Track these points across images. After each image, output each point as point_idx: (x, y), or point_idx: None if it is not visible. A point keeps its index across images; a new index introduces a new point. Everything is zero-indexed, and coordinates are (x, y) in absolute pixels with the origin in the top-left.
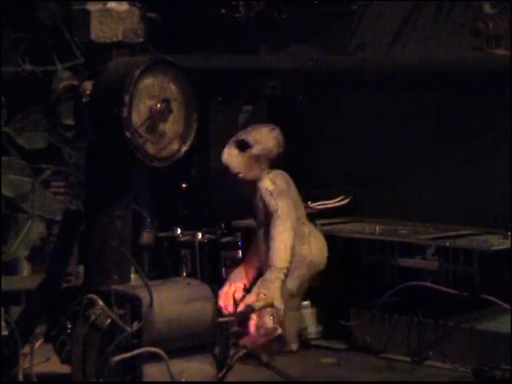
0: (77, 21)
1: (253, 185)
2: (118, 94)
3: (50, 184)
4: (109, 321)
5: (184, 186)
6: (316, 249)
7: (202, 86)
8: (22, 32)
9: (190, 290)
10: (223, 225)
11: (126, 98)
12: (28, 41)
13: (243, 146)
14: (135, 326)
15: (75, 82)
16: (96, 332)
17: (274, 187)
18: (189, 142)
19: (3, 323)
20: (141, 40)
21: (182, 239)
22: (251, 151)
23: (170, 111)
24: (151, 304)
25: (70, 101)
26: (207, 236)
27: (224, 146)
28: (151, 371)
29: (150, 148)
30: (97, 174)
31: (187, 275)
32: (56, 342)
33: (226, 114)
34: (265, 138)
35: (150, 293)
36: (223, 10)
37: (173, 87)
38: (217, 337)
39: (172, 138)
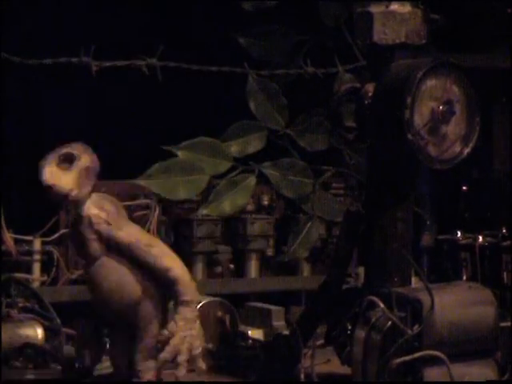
0: (359, 23)
1: (75, 208)
2: (400, 95)
3: (331, 186)
4: (389, 323)
5: (465, 188)
6: None
7: (485, 86)
8: (305, 34)
9: (471, 293)
10: (504, 228)
11: (409, 100)
12: (310, 43)
13: (68, 160)
14: (416, 328)
15: (357, 84)
16: (376, 334)
17: (106, 214)
18: (471, 145)
19: (284, 323)
20: (423, 41)
21: (463, 242)
22: (79, 163)
23: (453, 113)
24: (432, 307)
25: (352, 103)
26: (488, 239)
27: (506, 148)
28: (432, 374)
29: (432, 150)
30: (378, 175)
31: (467, 279)
32: (336, 343)
33: (510, 115)
34: (89, 149)
35: (431, 296)
36: (509, 10)
37: (455, 89)
38: (499, 341)
39: (454, 140)
